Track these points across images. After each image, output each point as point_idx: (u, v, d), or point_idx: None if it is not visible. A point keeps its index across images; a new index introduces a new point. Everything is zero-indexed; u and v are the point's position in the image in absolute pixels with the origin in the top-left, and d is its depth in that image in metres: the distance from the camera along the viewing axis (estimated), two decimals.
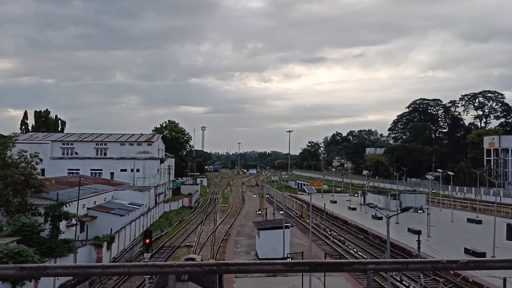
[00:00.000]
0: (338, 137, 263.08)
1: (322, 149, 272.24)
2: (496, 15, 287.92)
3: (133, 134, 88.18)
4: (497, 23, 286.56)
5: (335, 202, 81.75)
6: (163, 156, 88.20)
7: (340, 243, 46.45)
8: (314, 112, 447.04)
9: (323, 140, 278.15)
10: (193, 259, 26.84)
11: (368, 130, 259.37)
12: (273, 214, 59.07)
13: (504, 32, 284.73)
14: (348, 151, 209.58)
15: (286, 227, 37.77)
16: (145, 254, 28.92)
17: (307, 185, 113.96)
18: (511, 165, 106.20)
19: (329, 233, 52.02)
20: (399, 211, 21.26)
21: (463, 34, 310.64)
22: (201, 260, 28.49)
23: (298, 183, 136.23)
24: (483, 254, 34.88)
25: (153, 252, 43.57)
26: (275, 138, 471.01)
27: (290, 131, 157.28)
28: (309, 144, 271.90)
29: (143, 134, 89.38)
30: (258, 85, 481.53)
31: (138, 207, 56.33)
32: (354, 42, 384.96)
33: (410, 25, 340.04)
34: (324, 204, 64.20)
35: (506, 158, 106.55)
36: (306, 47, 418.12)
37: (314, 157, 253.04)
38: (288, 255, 32.35)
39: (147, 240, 29.68)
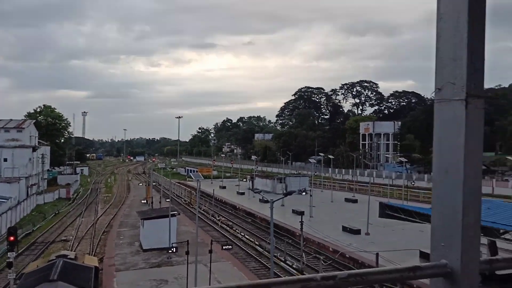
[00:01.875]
0: (228, 124, 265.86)
1: (212, 135, 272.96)
2: (372, 10, 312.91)
3: (0, 120, 78.57)
4: (372, 18, 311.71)
5: (224, 187, 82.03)
6: (36, 144, 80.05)
7: (228, 228, 46.43)
8: (205, 98, 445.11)
9: (213, 127, 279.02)
10: (66, 256, 24.26)
11: (257, 116, 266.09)
12: (160, 202, 57.03)
13: (378, 27, 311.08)
14: (238, 137, 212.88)
15: (173, 215, 36.45)
16: (9, 253, 25.51)
17: (196, 171, 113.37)
18: (383, 148, 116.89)
19: (218, 218, 51.78)
20: (283, 196, 21.42)
21: (344, 27, 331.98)
22: (75, 256, 25.91)
23: (188, 169, 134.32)
24: (358, 231, 37.40)
25: (22, 249, 39.18)
26: (164, 124, 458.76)
27: (179, 117, 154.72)
28: (200, 131, 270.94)
29: (12, 120, 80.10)
30: (146, 70, 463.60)
31: (5, 200, 50.27)
32: (244, 30, 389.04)
33: (296, 17, 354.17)
34: (213, 190, 63.76)
35: (378, 142, 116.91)
36: (196, 32, 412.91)
37: (205, 144, 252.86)
38: (173, 244, 31.11)
39: (12, 238, 26.39)
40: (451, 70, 1.73)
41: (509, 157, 63.09)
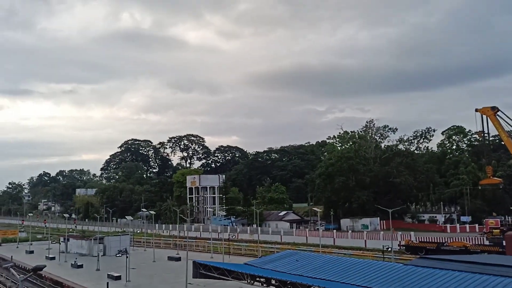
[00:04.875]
0: (45, 178, 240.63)
1: (26, 191, 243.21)
2: (196, 68, 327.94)
3: None
4: (196, 76, 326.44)
5: (31, 252, 71.47)
6: None
7: None
8: (20, 150, 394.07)
9: (28, 181, 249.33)
10: None
11: (80, 170, 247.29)
12: None
13: (202, 84, 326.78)
14: (56, 193, 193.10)
15: None
16: None
17: None
18: (210, 202, 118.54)
19: None
20: (30, 273, 17.57)
21: (170, 83, 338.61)
22: None
23: None
24: None
25: None
26: None
27: None
28: (10, 186, 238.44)
29: None
30: None
31: None
32: (64, 77, 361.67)
33: (122, 68, 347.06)
34: (11, 256, 54.63)
35: (205, 195, 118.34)
36: (9, 77, 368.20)
37: (16, 201, 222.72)
38: None
39: None
40: None
41: (314, 208, 69.50)
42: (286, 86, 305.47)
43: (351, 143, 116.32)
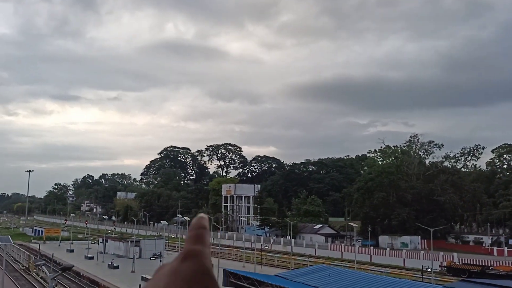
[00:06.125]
0: (89, 180, 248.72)
1: (71, 192, 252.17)
2: (237, 79, 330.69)
3: None
4: (236, 86, 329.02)
5: (72, 251, 73.84)
6: None
7: None
8: (67, 153, 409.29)
9: (72, 183, 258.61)
10: None
11: (122, 174, 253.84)
12: None
13: (242, 94, 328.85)
14: (98, 195, 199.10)
15: None
16: None
17: (43, 232, 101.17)
18: (245, 211, 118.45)
19: None
20: (58, 272, 17.20)
21: (210, 92, 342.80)
22: None
23: (36, 229, 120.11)
24: None
25: None
26: (18, 178, 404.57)
27: (30, 171, 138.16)
28: (56, 187, 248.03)
29: None
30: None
31: None
32: (110, 85, 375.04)
33: (165, 77, 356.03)
34: (53, 254, 56.40)
35: (240, 204, 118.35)
36: (60, 83, 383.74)
37: (61, 201, 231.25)
38: None
39: None
40: None
41: (351, 223, 67.88)
42: (328, 98, 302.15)
43: (393, 158, 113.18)
